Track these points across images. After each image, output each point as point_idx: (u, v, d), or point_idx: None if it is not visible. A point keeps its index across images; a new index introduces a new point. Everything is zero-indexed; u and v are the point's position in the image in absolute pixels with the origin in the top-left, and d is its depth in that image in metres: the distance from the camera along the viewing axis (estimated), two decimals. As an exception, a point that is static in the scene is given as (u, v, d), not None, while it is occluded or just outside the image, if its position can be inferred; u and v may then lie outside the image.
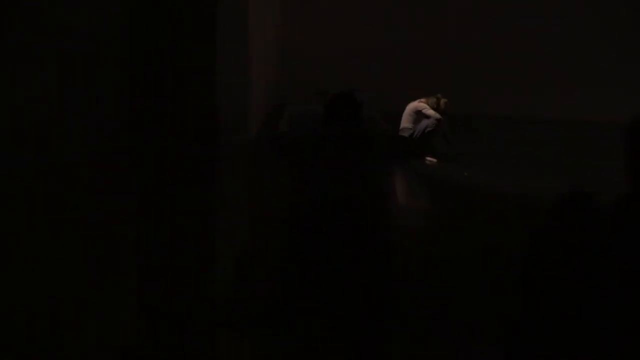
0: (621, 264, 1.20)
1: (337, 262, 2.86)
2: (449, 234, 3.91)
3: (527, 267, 1.31)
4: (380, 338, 2.35)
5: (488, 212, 4.47)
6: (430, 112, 6.27)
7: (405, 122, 6.38)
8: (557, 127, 8.77)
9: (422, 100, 6.42)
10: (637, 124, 1.25)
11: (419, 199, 5.15)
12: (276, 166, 5.14)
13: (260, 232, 3.55)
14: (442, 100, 6.41)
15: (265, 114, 7.87)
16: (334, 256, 2.85)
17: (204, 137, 2.01)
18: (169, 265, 2.06)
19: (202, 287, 2.09)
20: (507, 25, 9.91)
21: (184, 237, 2.05)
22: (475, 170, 5.85)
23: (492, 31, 9.93)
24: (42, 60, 1.24)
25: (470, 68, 9.89)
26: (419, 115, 6.33)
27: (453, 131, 6.39)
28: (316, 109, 6.70)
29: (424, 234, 3.91)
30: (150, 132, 1.95)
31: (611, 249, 1.21)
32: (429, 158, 6.27)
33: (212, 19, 1.96)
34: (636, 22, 9.59)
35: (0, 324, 1.09)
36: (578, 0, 9.75)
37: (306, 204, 2.81)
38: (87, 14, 1.47)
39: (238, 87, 2.80)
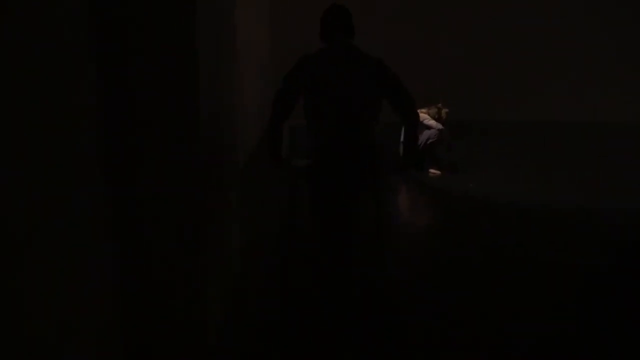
0: None
1: (337, 286, 2.68)
2: (455, 248, 3.69)
3: None
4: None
5: (496, 225, 4.26)
6: (432, 122, 6.09)
7: (407, 133, 6.20)
8: (564, 130, 8.61)
9: (423, 110, 6.24)
10: None
11: (423, 212, 4.93)
12: (272, 178, 4.97)
13: (256, 255, 3.35)
14: (444, 110, 6.24)
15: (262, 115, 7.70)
16: (333, 280, 2.67)
17: (186, 139, 1.78)
18: (153, 296, 1.84)
19: (192, 322, 1.86)
20: (504, 29, 9.79)
21: (169, 264, 1.83)
22: (480, 180, 5.66)
23: (489, 36, 9.81)
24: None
25: (469, 74, 9.75)
26: (420, 126, 6.14)
27: (453, 143, 6.22)
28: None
29: (429, 249, 3.69)
30: (127, 139, 1.73)
31: None
32: (432, 170, 6.09)
33: (192, 17, 1.75)
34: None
35: None
36: (579, 3, 9.61)
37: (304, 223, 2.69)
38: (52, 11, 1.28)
39: (226, 87, 2.60)
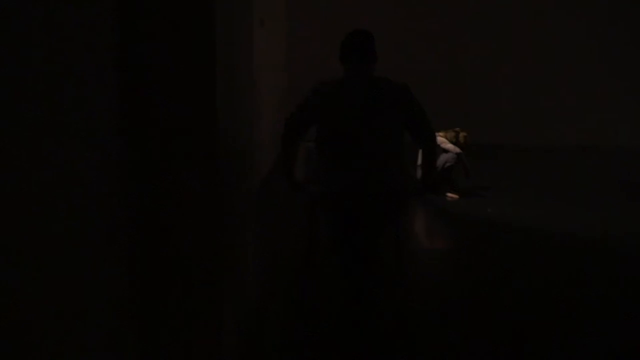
0: None
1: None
2: (471, 274, 3.58)
3: None
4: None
5: (513, 251, 4.14)
6: (449, 146, 6.02)
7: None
8: (588, 154, 8.45)
9: (440, 133, 6.18)
10: None
11: (440, 237, 4.82)
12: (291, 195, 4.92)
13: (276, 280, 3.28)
14: (462, 134, 6.17)
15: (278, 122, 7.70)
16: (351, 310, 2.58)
17: (202, 145, 1.74)
18: (167, 300, 1.78)
19: (206, 326, 1.80)
20: (527, 54, 9.73)
21: (184, 270, 1.77)
22: (499, 205, 5.54)
23: (509, 62, 9.76)
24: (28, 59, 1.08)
25: (488, 99, 9.68)
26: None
27: (471, 167, 6.11)
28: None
29: (445, 275, 3.59)
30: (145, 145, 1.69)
31: None
32: (449, 194, 5.99)
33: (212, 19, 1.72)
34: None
35: None
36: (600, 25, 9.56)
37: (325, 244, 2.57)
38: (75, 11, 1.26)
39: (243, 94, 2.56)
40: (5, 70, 1.01)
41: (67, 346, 1.26)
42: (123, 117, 1.60)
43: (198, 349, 1.81)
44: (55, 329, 1.21)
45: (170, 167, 1.72)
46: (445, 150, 6.01)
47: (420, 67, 9.56)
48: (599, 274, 3.63)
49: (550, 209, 5.50)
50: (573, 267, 3.76)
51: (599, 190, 6.44)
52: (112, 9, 1.49)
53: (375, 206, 2.44)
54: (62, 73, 1.21)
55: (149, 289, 1.76)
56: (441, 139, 6.08)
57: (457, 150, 5.99)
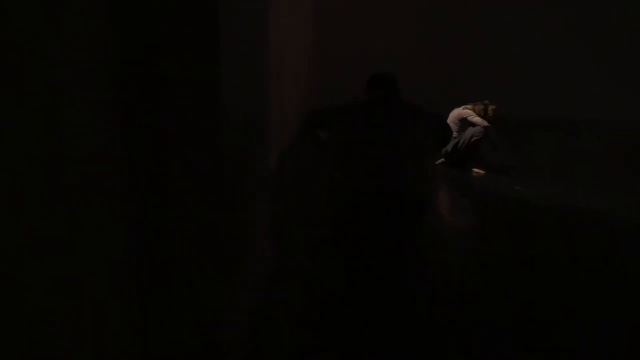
0: None
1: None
2: (498, 254, 3.38)
3: None
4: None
5: (542, 232, 3.91)
6: (477, 119, 5.74)
7: (449, 130, 5.88)
8: (622, 131, 8.01)
9: (468, 107, 5.89)
10: None
11: (465, 215, 4.61)
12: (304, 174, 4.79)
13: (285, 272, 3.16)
14: (490, 107, 5.87)
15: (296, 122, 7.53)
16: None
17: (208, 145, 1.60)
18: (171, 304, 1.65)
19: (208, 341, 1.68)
20: (556, 26, 9.24)
21: (185, 275, 1.64)
22: (528, 183, 5.27)
23: (538, 32, 9.29)
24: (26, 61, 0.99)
25: (522, 70, 9.25)
26: (464, 122, 5.80)
27: (502, 140, 5.83)
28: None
29: (469, 254, 3.40)
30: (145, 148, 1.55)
31: None
32: (476, 170, 5.74)
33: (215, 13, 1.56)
34: None
35: None
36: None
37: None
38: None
39: (254, 88, 2.40)
40: (6, 72, 0.93)
41: (72, 341, 1.16)
42: (119, 97, 1.45)
43: (200, 335, 1.69)
44: (64, 322, 1.13)
45: (172, 150, 1.57)
46: (473, 124, 5.74)
47: (449, 33, 9.19)
48: (632, 257, 3.38)
49: (584, 188, 5.18)
50: (603, 249, 3.52)
51: (636, 170, 6.08)
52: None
53: (395, 209, 2.51)
54: (56, 66, 1.09)
55: (152, 276, 1.63)
56: (468, 112, 5.80)
57: (485, 124, 5.71)
